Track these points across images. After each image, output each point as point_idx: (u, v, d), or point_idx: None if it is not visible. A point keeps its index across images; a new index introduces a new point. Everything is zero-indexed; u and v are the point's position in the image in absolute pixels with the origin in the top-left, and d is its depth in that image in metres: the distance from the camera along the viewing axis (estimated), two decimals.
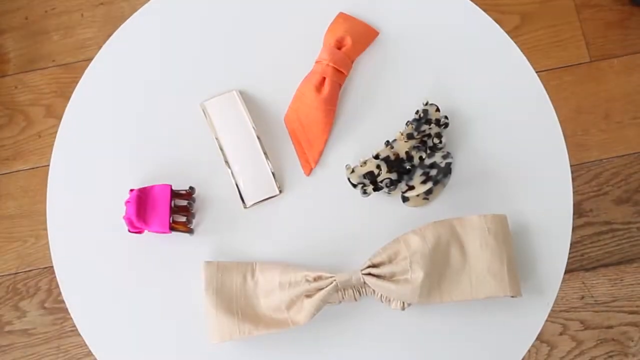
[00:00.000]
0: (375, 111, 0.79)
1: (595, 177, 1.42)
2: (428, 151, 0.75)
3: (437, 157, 0.74)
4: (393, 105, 0.79)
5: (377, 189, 0.74)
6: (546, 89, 0.80)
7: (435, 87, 0.79)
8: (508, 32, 0.82)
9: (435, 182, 0.74)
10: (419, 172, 0.74)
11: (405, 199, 0.75)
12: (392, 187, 0.74)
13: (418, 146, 0.75)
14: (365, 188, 0.74)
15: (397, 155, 0.75)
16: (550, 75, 1.46)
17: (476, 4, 0.82)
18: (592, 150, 1.43)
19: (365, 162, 0.75)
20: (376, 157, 0.75)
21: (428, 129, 0.75)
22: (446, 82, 0.79)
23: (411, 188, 0.74)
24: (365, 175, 0.74)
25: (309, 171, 0.77)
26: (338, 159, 0.78)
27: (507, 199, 0.76)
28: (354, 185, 0.74)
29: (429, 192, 0.75)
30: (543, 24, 1.48)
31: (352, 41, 0.78)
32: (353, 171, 0.74)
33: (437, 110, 0.75)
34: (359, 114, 0.79)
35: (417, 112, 0.76)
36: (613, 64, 1.47)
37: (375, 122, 0.79)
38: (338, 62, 0.77)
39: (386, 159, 0.74)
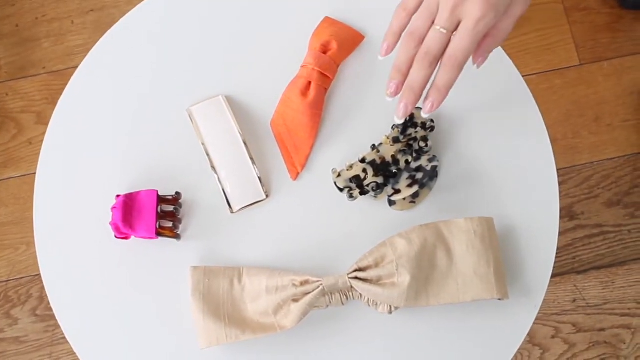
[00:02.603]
0: (361, 115, 0.79)
1: (586, 180, 1.42)
2: (414, 155, 0.75)
3: (423, 161, 0.74)
4: (378, 109, 0.79)
5: (363, 192, 0.74)
6: (536, 93, 0.80)
7: None
8: None
9: (422, 186, 0.74)
10: (405, 175, 0.74)
11: (391, 203, 0.75)
12: (378, 190, 0.74)
13: (404, 150, 0.75)
14: (351, 192, 0.74)
15: (383, 159, 0.75)
16: (540, 78, 1.47)
17: None
18: (583, 153, 1.44)
19: (351, 166, 0.75)
20: (362, 161, 0.75)
21: (414, 133, 0.75)
22: None
23: (397, 192, 0.74)
24: (351, 179, 0.74)
25: (295, 175, 0.77)
26: (324, 163, 0.78)
27: (493, 201, 0.76)
28: (341, 190, 0.74)
29: (415, 195, 0.75)
30: (533, 28, 1.49)
31: (338, 45, 0.78)
32: (339, 175, 0.74)
33: None
34: (344, 118, 0.79)
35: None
36: (603, 67, 1.47)
37: (361, 126, 0.79)
38: (323, 67, 0.77)
39: (372, 163, 0.74)
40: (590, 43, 1.49)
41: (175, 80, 0.81)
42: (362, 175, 0.74)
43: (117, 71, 0.81)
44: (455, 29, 0.62)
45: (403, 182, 0.74)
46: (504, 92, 0.79)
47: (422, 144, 0.75)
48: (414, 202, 0.76)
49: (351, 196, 0.74)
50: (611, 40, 1.49)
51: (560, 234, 0.77)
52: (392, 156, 0.75)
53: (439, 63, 0.63)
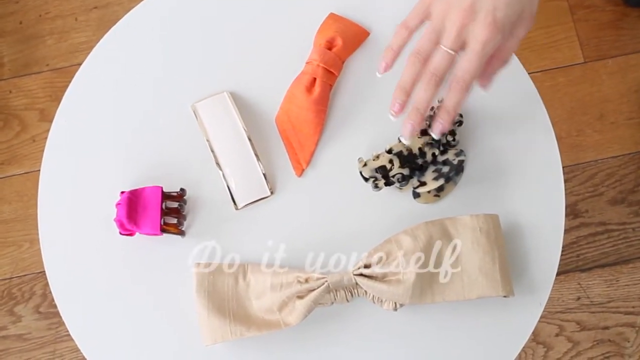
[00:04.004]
0: (365, 111, 0.79)
1: (591, 178, 1.42)
2: (441, 148, 0.74)
3: (450, 155, 0.74)
4: (384, 106, 0.78)
5: (388, 183, 0.74)
6: (541, 90, 0.79)
7: None
8: None
9: (447, 180, 0.74)
10: (431, 168, 0.74)
11: (416, 195, 0.75)
12: (403, 182, 0.74)
13: (431, 143, 0.74)
14: (376, 182, 0.74)
15: (410, 150, 0.74)
16: (544, 76, 1.46)
17: None
18: (587, 150, 1.43)
19: (377, 156, 0.74)
20: (389, 151, 0.74)
21: None
22: None
23: (423, 184, 0.74)
24: (377, 170, 0.74)
25: (300, 172, 0.77)
26: (329, 159, 0.78)
27: (499, 198, 0.76)
28: (366, 179, 0.74)
29: (440, 189, 0.74)
30: (537, 25, 1.48)
31: (343, 42, 0.78)
32: (365, 165, 0.74)
33: None
34: (349, 114, 0.79)
35: (432, 109, 0.75)
36: (607, 65, 1.47)
37: (366, 123, 0.78)
38: (328, 63, 0.76)
39: (399, 154, 0.74)
40: (595, 41, 1.48)
41: (180, 77, 0.81)
42: (388, 166, 0.74)
43: (121, 68, 0.81)
44: (461, 49, 0.63)
45: (429, 174, 0.74)
46: (509, 90, 0.79)
47: (449, 137, 0.74)
48: (438, 196, 0.75)
49: (376, 186, 0.74)
50: (615, 38, 1.48)
51: (564, 231, 0.76)
52: (419, 148, 0.74)
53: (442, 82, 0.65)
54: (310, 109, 0.76)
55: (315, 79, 0.77)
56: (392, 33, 0.67)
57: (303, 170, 0.77)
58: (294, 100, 0.77)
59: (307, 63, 0.78)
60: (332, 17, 0.80)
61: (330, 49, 0.78)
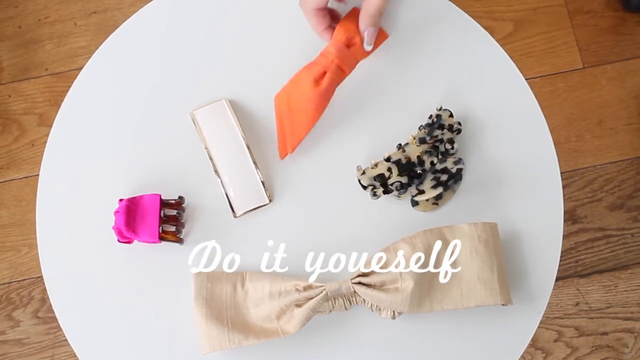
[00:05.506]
0: (365, 120, 0.78)
1: (589, 184, 1.42)
2: (440, 156, 0.74)
3: (449, 163, 0.74)
4: (383, 114, 0.79)
5: (387, 191, 0.74)
6: (539, 96, 0.79)
7: (428, 96, 0.79)
8: (501, 39, 0.82)
9: (446, 188, 0.74)
10: (429, 176, 0.74)
11: (414, 203, 0.75)
12: (402, 190, 0.73)
13: (430, 151, 0.74)
14: (375, 190, 0.74)
15: (408, 158, 0.74)
16: (543, 81, 1.46)
17: (469, 10, 0.82)
18: (586, 156, 1.43)
19: (376, 164, 0.74)
20: (387, 159, 0.74)
21: (440, 134, 0.75)
22: (437, 90, 0.79)
23: (421, 192, 0.74)
24: (375, 178, 0.74)
25: (284, 155, 0.76)
26: (328, 167, 0.77)
27: (496, 206, 0.76)
28: (364, 187, 0.74)
29: (438, 197, 0.74)
30: (536, 31, 1.48)
31: (362, 42, 0.76)
32: (364, 173, 0.74)
33: (451, 115, 0.75)
34: (349, 122, 0.78)
35: (430, 116, 0.75)
36: (606, 70, 1.47)
37: (365, 131, 0.78)
38: (343, 60, 0.74)
39: (397, 162, 0.74)
40: (594, 46, 1.48)
41: (179, 84, 0.80)
42: (387, 174, 0.74)
43: (120, 74, 0.81)
44: None
45: (427, 183, 0.74)
46: (507, 96, 0.79)
47: (448, 146, 0.74)
48: (436, 204, 0.75)
49: (374, 194, 0.74)
50: (614, 44, 1.48)
51: (563, 237, 0.76)
52: (418, 157, 0.74)
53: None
54: (312, 100, 0.75)
55: (325, 72, 0.75)
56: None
57: (287, 154, 0.76)
58: (299, 87, 0.75)
59: (321, 54, 0.75)
60: (356, 12, 0.77)
61: (348, 46, 0.76)
